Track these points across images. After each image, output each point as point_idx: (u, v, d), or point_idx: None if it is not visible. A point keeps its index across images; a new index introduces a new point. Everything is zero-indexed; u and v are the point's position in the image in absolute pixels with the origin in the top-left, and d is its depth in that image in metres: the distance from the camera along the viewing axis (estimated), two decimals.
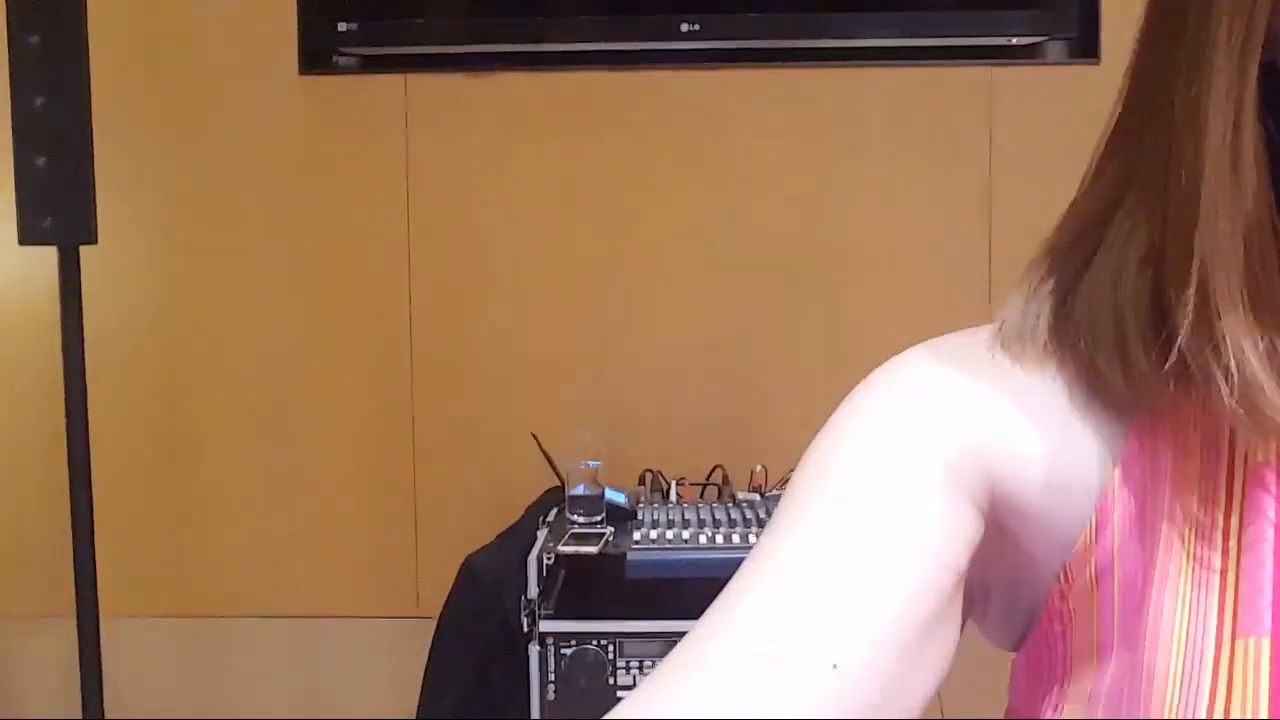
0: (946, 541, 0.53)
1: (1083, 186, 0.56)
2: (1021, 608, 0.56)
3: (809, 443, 0.57)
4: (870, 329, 2.14)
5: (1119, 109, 0.55)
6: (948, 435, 0.54)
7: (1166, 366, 0.50)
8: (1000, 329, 0.56)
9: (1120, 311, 0.52)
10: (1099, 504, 0.53)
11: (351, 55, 2.16)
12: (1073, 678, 0.53)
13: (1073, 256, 0.55)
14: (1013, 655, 0.58)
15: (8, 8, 1.71)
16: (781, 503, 0.56)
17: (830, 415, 0.57)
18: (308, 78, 2.17)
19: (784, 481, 1.90)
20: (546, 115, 2.18)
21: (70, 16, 1.71)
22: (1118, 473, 0.53)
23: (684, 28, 2.05)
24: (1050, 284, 0.55)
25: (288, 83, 2.17)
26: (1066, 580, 0.53)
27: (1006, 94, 2.13)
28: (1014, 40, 2.09)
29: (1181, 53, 0.50)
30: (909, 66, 2.15)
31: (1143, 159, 0.52)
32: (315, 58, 2.15)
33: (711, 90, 2.17)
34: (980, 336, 0.58)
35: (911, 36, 2.10)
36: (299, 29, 2.15)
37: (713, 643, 0.51)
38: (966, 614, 0.57)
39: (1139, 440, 0.53)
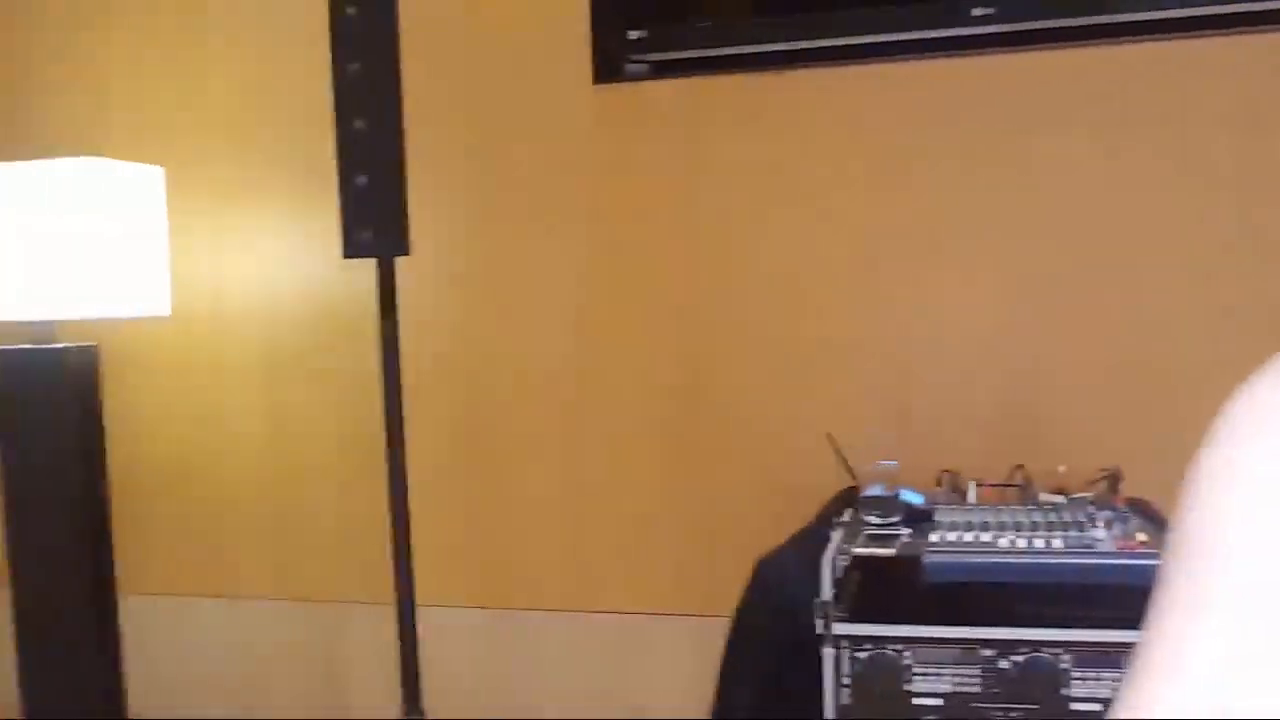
0: None
1: None
2: None
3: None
4: (1169, 320, 1.99)
5: None
6: None
7: None
8: None
9: None
10: None
11: (642, 62, 2.20)
12: None
13: None
14: None
15: (332, 39, 1.84)
16: (1176, 577, 0.53)
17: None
18: (601, 86, 2.23)
19: (1090, 484, 1.80)
20: (837, 111, 2.15)
21: (386, 46, 1.83)
22: None
23: (976, 12, 1.97)
24: None
25: (583, 93, 2.24)
26: None
27: None
28: None
29: None
30: (1207, 37, 1.99)
31: None
32: (608, 67, 2.22)
33: (1005, 75, 2.08)
34: None
35: (1202, 5, 1.94)
36: (592, 40, 2.21)
37: None
38: None
39: None
